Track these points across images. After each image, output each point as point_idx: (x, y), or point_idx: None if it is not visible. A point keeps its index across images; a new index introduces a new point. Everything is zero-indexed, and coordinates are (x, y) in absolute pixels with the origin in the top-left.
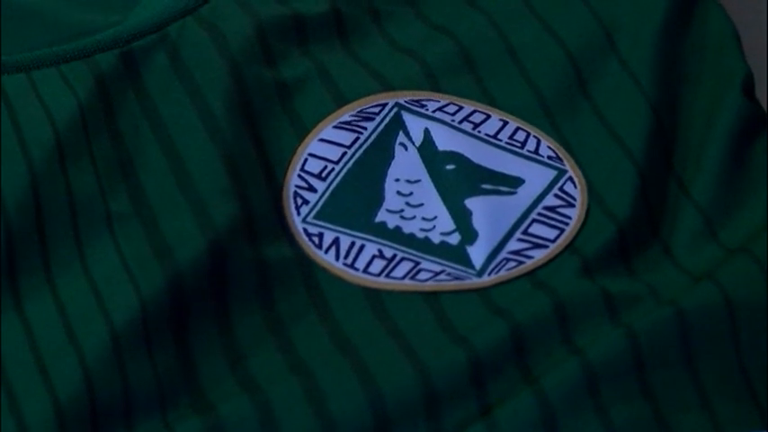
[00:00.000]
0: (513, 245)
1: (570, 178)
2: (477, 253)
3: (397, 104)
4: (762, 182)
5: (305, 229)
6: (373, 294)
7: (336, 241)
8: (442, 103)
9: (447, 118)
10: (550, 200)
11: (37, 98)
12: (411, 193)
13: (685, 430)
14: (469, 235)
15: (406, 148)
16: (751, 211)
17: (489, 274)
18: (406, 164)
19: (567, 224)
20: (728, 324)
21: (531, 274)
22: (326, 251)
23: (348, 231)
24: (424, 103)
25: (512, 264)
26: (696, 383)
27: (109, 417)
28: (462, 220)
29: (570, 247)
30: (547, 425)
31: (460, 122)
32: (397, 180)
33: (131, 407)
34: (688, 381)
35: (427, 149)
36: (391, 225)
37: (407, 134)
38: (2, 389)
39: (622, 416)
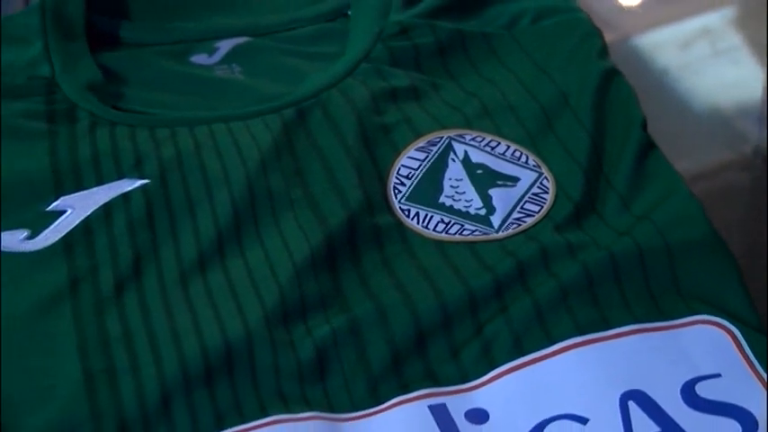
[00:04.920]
0: (516, 215)
1: (546, 177)
2: (496, 220)
3: (448, 137)
4: (653, 179)
5: (400, 207)
6: (439, 244)
7: (417, 214)
8: (474, 135)
9: (477, 144)
10: (535, 189)
11: (250, 136)
12: (458, 186)
13: (616, 321)
14: (491, 209)
15: (455, 161)
16: (649, 194)
17: (502, 231)
18: (454, 170)
19: (544, 203)
20: (639, 261)
21: (525, 231)
22: (412, 219)
23: (424, 208)
24: (464, 135)
25: (515, 225)
26: (622, 295)
27: (293, 314)
28: (487, 201)
29: (547, 216)
30: (539, 317)
31: (484, 146)
32: (450, 179)
33: (306, 307)
34: (618, 294)
35: (466, 162)
36: (447, 204)
37: (455, 153)
38: (233, 303)
39: (582, 314)
